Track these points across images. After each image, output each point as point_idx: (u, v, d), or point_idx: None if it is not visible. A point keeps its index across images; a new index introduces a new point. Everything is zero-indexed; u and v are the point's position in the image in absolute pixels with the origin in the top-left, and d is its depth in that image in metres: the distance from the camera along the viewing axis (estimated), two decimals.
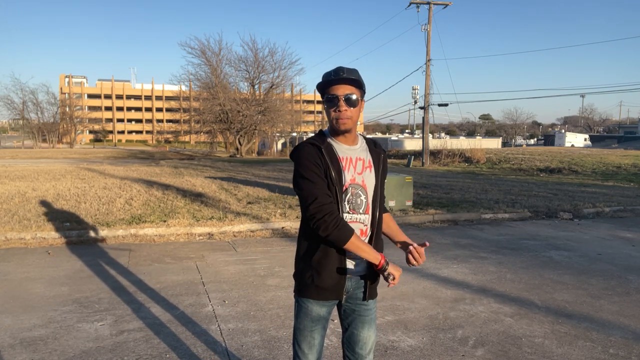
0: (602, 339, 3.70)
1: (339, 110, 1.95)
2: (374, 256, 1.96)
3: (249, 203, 9.66)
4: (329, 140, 2.04)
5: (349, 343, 2.15)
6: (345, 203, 2.00)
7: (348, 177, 2.00)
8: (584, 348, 3.53)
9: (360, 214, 2.03)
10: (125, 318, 4.01)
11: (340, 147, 2.03)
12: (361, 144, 2.11)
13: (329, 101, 1.97)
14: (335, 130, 2.02)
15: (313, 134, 2.17)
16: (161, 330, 3.77)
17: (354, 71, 1.98)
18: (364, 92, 2.03)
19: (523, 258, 6.16)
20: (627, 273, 5.50)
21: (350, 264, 2.04)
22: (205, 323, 3.94)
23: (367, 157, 2.08)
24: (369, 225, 2.06)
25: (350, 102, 1.95)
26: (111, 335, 3.66)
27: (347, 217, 2.00)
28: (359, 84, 1.98)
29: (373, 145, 2.14)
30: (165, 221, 7.58)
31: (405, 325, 3.93)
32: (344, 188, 1.99)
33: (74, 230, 6.95)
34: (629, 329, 3.89)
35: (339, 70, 1.95)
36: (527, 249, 6.65)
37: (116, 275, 5.24)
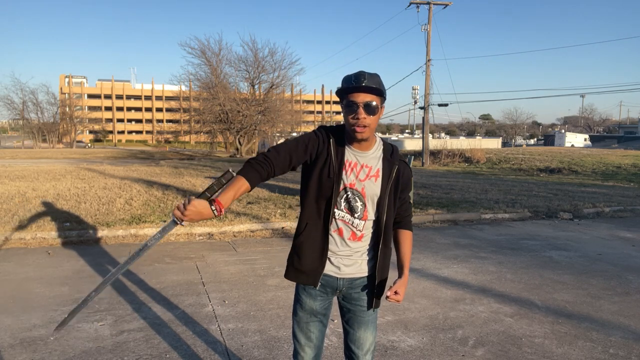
0: (602, 339, 3.70)
1: (357, 118, 1.89)
2: (216, 203, 1.77)
3: (249, 203, 9.66)
4: (342, 136, 2.05)
5: (347, 341, 2.16)
6: (342, 200, 2.01)
7: (347, 179, 1.99)
8: (584, 348, 3.53)
9: (356, 218, 2.01)
10: (125, 318, 4.01)
11: (349, 149, 2.02)
12: (375, 151, 2.04)
13: (348, 107, 1.91)
14: (351, 138, 1.99)
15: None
16: (161, 330, 3.77)
17: (376, 77, 1.91)
18: (385, 99, 1.98)
19: (523, 258, 6.16)
20: (627, 273, 5.50)
21: (340, 264, 2.05)
22: (205, 323, 3.94)
23: (377, 166, 2.02)
24: (366, 233, 2.03)
25: (369, 110, 1.89)
26: (111, 335, 3.66)
27: (340, 214, 2.02)
28: (379, 92, 1.91)
29: (389, 154, 2.05)
30: (165, 221, 7.58)
31: (405, 325, 3.93)
32: (341, 188, 1.99)
33: (74, 230, 6.95)
34: (629, 329, 3.89)
35: (360, 77, 1.88)
36: (527, 249, 6.65)
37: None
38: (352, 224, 2.02)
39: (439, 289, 4.88)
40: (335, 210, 2.00)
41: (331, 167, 1.97)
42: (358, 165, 2.01)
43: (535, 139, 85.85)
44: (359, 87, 1.88)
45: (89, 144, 77.48)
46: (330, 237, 2.02)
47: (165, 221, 7.57)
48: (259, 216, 8.23)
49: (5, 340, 3.55)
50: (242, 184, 1.85)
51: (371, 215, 2.02)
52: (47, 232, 6.81)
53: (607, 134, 73.40)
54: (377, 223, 2.04)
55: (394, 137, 58.57)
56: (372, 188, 2.00)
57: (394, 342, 3.60)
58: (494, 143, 52.92)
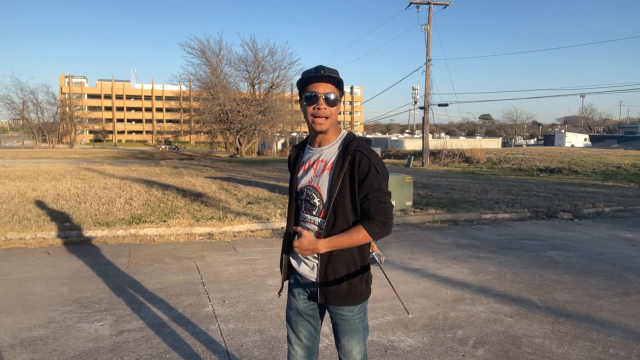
0: (602, 339, 3.70)
1: (318, 108, 1.93)
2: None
3: (249, 203, 9.66)
4: (307, 142, 2.14)
5: (336, 347, 2.18)
6: (303, 203, 2.08)
7: (305, 179, 2.05)
8: (584, 348, 3.53)
9: (314, 216, 2.03)
10: (125, 318, 4.01)
11: (309, 150, 2.09)
12: (333, 144, 2.03)
13: (308, 99, 1.94)
14: (311, 130, 2.03)
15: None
16: (161, 330, 3.77)
17: (335, 71, 1.97)
18: (343, 93, 2.03)
19: (523, 258, 6.16)
20: (627, 273, 5.50)
21: (314, 265, 2.05)
22: (205, 323, 3.94)
23: (332, 159, 1.99)
24: (324, 230, 1.98)
25: (329, 101, 1.93)
26: (111, 335, 3.66)
27: (303, 216, 2.08)
28: (339, 84, 1.96)
29: (345, 146, 1.98)
30: (165, 221, 7.58)
31: (405, 325, 3.93)
32: (300, 189, 2.07)
33: (74, 230, 6.95)
34: (629, 329, 3.89)
35: (319, 68, 1.94)
36: (527, 249, 6.65)
37: (116, 275, 5.24)
38: (314, 223, 2.03)
39: (439, 289, 4.88)
40: (301, 213, 2.09)
41: (295, 173, 2.11)
42: (315, 162, 2.04)
43: (535, 139, 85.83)
44: (319, 77, 1.92)
45: (173, 146, 65.82)
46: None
47: (165, 221, 7.58)
48: (259, 216, 8.23)
49: (5, 340, 3.55)
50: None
51: (327, 210, 1.97)
52: (47, 232, 6.81)
53: (607, 134, 73.37)
54: (330, 218, 1.96)
55: (393, 137, 58.53)
56: (325, 181, 1.99)
57: (394, 342, 3.60)
58: (494, 143, 52.93)
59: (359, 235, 1.93)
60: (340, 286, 1.99)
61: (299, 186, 2.07)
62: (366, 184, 1.91)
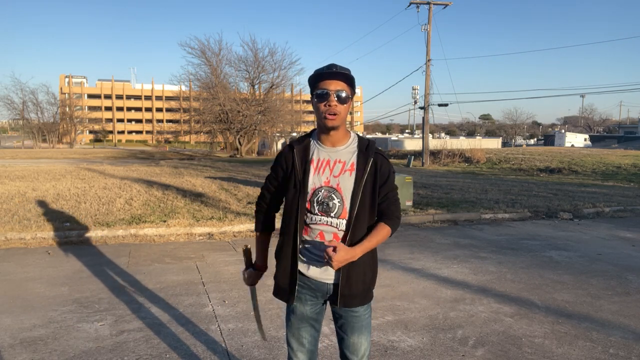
0: (602, 339, 3.70)
1: (329, 105, 1.92)
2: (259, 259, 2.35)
3: (249, 203, 9.66)
4: (312, 140, 2.06)
5: (341, 347, 2.15)
6: (315, 204, 1.99)
7: (320, 179, 1.99)
8: (584, 348, 3.53)
9: (332, 217, 1.98)
10: (125, 318, 4.01)
11: (320, 148, 2.03)
12: (349, 145, 2.03)
13: (319, 96, 1.94)
14: (322, 127, 2.00)
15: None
16: (161, 330, 3.78)
17: (346, 69, 1.98)
18: (354, 92, 2.03)
19: (523, 258, 6.16)
20: (627, 273, 5.50)
21: (328, 268, 2.01)
22: (205, 323, 3.94)
23: (352, 160, 2.00)
24: (345, 231, 1.97)
25: (340, 99, 1.93)
26: (111, 335, 3.66)
27: (315, 218, 2.00)
28: (350, 82, 1.97)
29: (364, 148, 2.02)
30: (165, 221, 7.58)
31: (405, 325, 3.93)
32: (313, 189, 1.99)
33: (74, 230, 6.95)
34: (629, 329, 3.89)
35: (331, 66, 1.95)
36: (527, 249, 6.65)
37: (116, 275, 5.24)
38: (331, 225, 1.99)
39: (439, 289, 4.88)
40: (310, 215, 2.00)
41: (296, 177, 2.00)
42: (331, 162, 2.00)
43: (535, 139, 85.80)
44: (331, 74, 1.93)
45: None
46: (309, 245, 2.04)
47: (165, 221, 7.58)
48: None
49: (5, 340, 3.55)
50: (263, 237, 2.33)
51: (350, 211, 1.97)
52: (47, 232, 6.81)
53: (607, 134, 73.35)
54: (354, 220, 1.96)
55: (393, 137, 58.49)
56: (348, 182, 1.97)
57: (394, 342, 3.60)
58: (494, 143, 52.90)
59: (384, 233, 2.03)
60: (359, 288, 2.02)
61: (312, 187, 1.99)
62: (387, 185, 2.04)
